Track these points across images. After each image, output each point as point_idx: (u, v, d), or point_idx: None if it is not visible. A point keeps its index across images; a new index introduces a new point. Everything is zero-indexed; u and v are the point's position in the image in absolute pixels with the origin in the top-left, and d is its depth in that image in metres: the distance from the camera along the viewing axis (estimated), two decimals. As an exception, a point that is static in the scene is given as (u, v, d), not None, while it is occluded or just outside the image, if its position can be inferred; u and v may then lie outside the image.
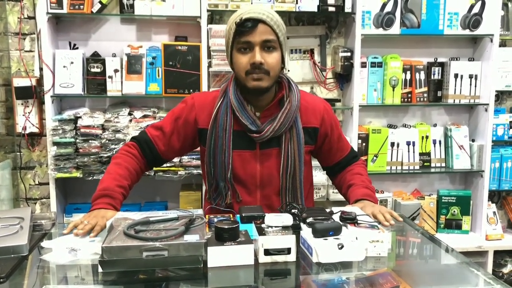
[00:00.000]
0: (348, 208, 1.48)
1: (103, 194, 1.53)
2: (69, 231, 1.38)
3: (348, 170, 1.77)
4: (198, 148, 1.77)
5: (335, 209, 1.45)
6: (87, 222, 1.39)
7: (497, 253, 2.89)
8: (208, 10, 2.49)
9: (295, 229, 1.27)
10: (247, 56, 1.54)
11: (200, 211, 1.36)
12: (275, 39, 1.54)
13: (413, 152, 2.84)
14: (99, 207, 1.49)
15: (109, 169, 1.63)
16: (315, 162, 1.84)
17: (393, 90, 2.75)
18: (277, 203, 1.64)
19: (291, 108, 1.60)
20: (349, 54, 2.67)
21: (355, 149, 2.69)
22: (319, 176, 1.87)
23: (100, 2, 2.47)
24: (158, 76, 2.55)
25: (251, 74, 1.54)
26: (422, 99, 2.81)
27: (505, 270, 2.94)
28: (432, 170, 2.88)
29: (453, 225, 2.90)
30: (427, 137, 2.86)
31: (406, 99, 2.79)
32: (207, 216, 1.45)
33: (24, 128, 2.59)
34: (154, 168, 2.46)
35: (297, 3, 2.56)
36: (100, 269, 1.12)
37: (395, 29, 2.69)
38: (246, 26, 1.51)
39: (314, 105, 1.71)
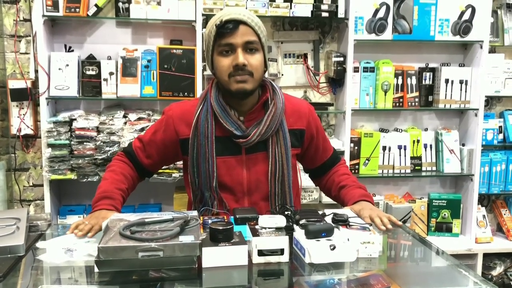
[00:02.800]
0: (340, 210, 1.51)
1: (102, 196, 1.53)
2: (71, 231, 1.38)
3: (334, 172, 1.76)
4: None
5: (327, 211, 1.48)
6: (87, 223, 1.40)
7: (486, 255, 2.93)
8: (203, 14, 2.52)
9: (288, 230, 1.30)
10: (229, 58, 1.50)
11: (195, 213, 1.37)
12: (257, 40, 1.51)
13: (405, 156, 2.87)
14: (100, 208, 1.49)
15: (105, 176, 1.63)
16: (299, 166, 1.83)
17: (385, 95, 2.79)
18: (265, 209, 1.61)
19: (276, 110, 1.56)
20: (342, 59, 2.70)
21: (347, 152, 2.73)
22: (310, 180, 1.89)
23: (96, 5, 2.49)
24: (153, 79, 2.57)
25: (234, 77, 1.49)
26: (413, 103, 2.85)
27: (494, 273, 2.98)
28: (423, 173, 2.91)
29: (444, 228, 2.94)
30: (418, 141, 2.90)
31: (397, 104, 2.83)
32: (201, 217, 1.47)
33: (19, 130, 2.59)
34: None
35: (291, 8, 2.59)
36: (96, 269, 1.13)
37: (387, 34, 2.73)
38: (227, 28, 1.47)
39: (299, 107, 1.68)
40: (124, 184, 1.61)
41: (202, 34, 2.52)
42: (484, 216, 2.99)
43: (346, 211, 1.51)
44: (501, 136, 3.00)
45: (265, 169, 1.59)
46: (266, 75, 2.62)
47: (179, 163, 2.47)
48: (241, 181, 1.59)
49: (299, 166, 1.80)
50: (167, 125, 1.62)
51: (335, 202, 1.82)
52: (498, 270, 2.98)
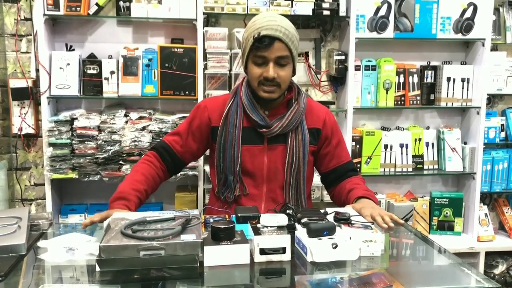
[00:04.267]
0: (342, 209, 1.50)
1: (118, 197, 1.60)
2: (84, 226, 1.45)
3: (348, 181, 1.79)
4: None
5: (329, 209, 1.47)
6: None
7: (488, 254, 2.92)
8: (204, 13, 2.51)
9: (290, 229, 1.29)
10: (261, 69, 1.64)
11: (196, 212, 1.37)
12: (288, 55, 1.64)
13: (406, 154, 2.87)
14: (114, 207, 1.55)
15: (126, 177, 1.71)
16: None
17: (387, 93, 2.78)
18: (281, 197, 1.75)
19: (299, 108, 1.71)
20: (343, 57, 2.69)
21: (349, 151, 2.72)
22: (314, 178, 1.89)
23: (97, 4, 2.48)
24: (154, 78, 2.56)
25: (262, 86, 1.65)
26: (415, 102, 2.85)
27: (497, 271, 2.97)
28: (425, 172, 2.91)
29: (446, 226, 2.93)
30: (420, 139, 2.89)
31: (399, 102, 2.83)
32: (203, 216, 1.47)
33: (20, 129, 2.59)
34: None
35: (292, 6, 2.58)
36: (97, 268, 1.13)
37: (389, 33, 2.72)
38: (263, 42, 1.60)
39: (318, 109, 1.83)
40: (143, 186, 1.67)
41: (203, 33, 2.52)
42: (486, 214, 2.98)
43: (347, 209, 1.50)
44: (503, 134, 2.99)
45: (283, 159, 1.74)
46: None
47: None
48: (261, 168, 1.74)
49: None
50: (202, 113, 1.78)
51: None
52: (500, 268, 2.98)
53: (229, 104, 1.74)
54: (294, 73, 1.72)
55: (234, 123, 1.71)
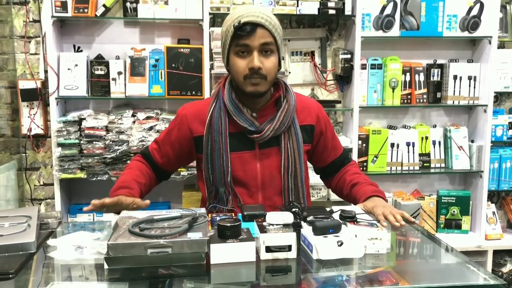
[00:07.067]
0: (349, 207, 1.51)
1: (121, 186, 1.58)
2: (90, 208, 1.44)
3: (345, 171, 1.77)
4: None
5: (335, 208, 1.48)
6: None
7: (496, 252, 2.90)
8: (210, 13, 2.53)
9: (296, 227, 1.30)
10: (245, 60, 1.54)
11: (203, 210, 1.38)
12: (273, 41, 1.54)
13: (413, 152, 2.86)
14: (117, 195, 1.52)
15: (123, 173, 1.68)
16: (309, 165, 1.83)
17: (393, 92, 2.78)
18: (279, 203, 1.64)
19: (289, 107, 1.61)
20: (349, 56, 2.70)
21: (355, 150, 2.73)
22: (317, 177, 1.88)
23: (104, 6, 2.51)
24: (161, 78, 2.58)
25: (249, 79, 1.54)
26: (421, 100, 2.84)
27: (505, 270, 2.95)
28: (432, 170, 2.90)
29: (453, 225, 2.92)
30: (426, 138, 2.88)
31: (405, 101, 2.82)
32: (209, 214, 1.48)
33: (29, 130, 2.63)
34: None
35: (297, 6, 2.59)
36: (105, 266, 1.15)
37: (395, 31, 2.72)
38: (245, 30, 1.50)
39: (308, 104, 1.74)
40: (142, 179, 1.65)
41: (209, 33, 2.53)
42: (494, 212, 2.97)
43: (355, 207, 1.51)
44: (510, 132, 2.97)
45: (278, 163, 1.63)
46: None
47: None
48: (255, 175, 1.63)
49: (309, 165, 1.81)
50: (181, 124, 1.67)
51: (343, 200, 1.82)
52: (509, 267, 2.96)
53: (211, 109, 1.62)
54: (280, 66, 1.61)
55: (219, 130, 1.59)
